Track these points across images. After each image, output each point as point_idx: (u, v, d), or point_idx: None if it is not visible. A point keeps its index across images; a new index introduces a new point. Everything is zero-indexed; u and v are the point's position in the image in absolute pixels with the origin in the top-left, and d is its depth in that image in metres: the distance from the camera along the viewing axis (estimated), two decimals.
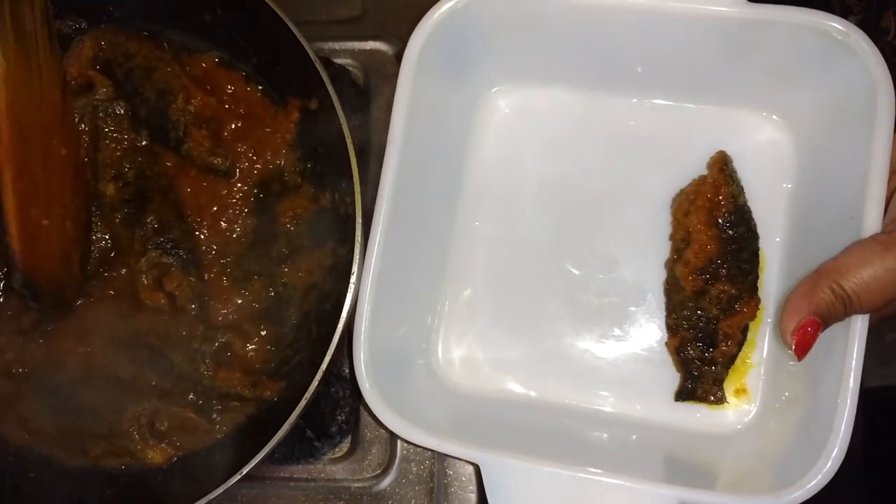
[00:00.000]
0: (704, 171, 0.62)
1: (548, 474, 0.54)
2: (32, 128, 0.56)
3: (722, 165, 0.61)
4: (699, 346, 0.60)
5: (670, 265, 0.62)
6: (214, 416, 0.61)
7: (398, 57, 0.69)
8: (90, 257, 0.62)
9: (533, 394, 0.63)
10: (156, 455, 0.60)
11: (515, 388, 0.63)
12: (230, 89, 0.64)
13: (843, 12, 0.78)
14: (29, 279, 0.60)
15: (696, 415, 0.61)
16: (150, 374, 0.61)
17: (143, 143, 0.64)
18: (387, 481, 0.65)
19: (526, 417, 0.62)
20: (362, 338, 0.56)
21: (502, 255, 0.65)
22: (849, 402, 0.52)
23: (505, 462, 0.54)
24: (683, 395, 0.61)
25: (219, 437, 0.61)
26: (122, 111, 0.63)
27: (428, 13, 0.59)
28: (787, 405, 0.58)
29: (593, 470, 0.54)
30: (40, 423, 0.62)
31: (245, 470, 0.54)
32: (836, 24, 0.55)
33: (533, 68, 0.64)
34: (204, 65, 0.65)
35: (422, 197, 0.61)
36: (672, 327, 0.61)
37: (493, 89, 0.66)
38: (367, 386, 0.56)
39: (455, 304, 0.64)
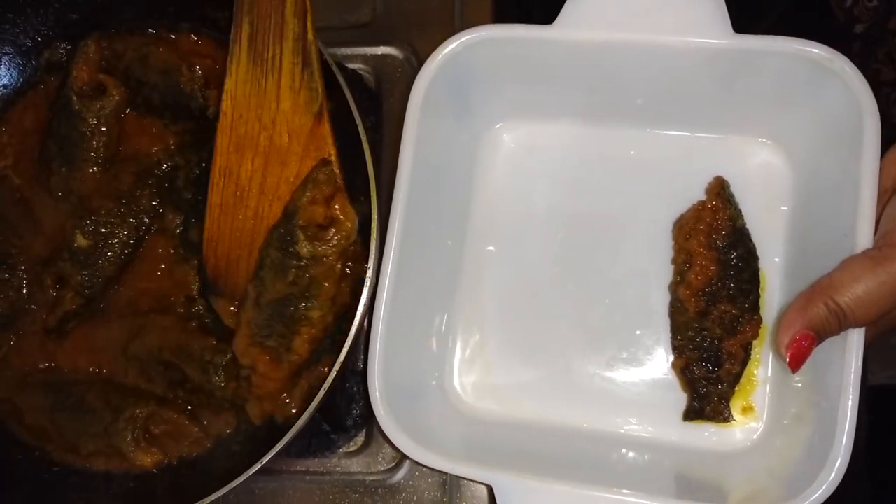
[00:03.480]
0: (703, 197, 0.64)
1: (560, 494, 0.54)
2: (252, 143, 0.59)
3: (720, 190, 0.63)
4: (705, 365, 0.61)
5: (674, 288, 0.63)
6: (209, 425, 0.62)
7: (408, 61, 0.72)
8: None
9: (544, 417, 0.63)
10: (145, 459, 0.61)
11: (527, 411, 0.64)
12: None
13: (848, 22, 0.79)
14: (209, 277, 0.61)
15: (705, 434, 0.62)
16: (161, 386, 0.63)
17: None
18: (400, 474, 0.65)
19: (537, 440, 0.63)
20: (376, 365, 0.57)
21: (511, 282, 0.66)
22: (849, 414, 0.52)
23: (518, 483, 0.55)
24: (691, 414, 0.62)
25: (209, 445, 0.62)
26: None
27: (432, 55, 0.60)
28: (793, 421, 0.59)
29: (606, 489, 0.54)
30: (36, 417, 0.63)
31: (264, 461, 0.55)
32: (820, 52, 0.57)
33: (535, 104, 0.66)
34: (195, 38, 0.67)
35: (431, 227, 0.63)
36: (678, 348, 0.62)
37: (498, 125, 0.68)
38: (382, 412, 0.57)
39: (466, 330, 0.66)
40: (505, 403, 0.64)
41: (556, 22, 0.60)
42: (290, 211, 0.57)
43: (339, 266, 0.57)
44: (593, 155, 0.67)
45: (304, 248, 0.56)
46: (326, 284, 0.57)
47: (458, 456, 0.57)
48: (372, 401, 0.57)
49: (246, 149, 0.59)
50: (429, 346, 0.64)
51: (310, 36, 0.57)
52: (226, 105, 0.59)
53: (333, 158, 0.58)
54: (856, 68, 0.57)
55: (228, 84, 0.59)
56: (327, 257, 0.56)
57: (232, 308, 0.61)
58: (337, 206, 0.57)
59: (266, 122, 0.58)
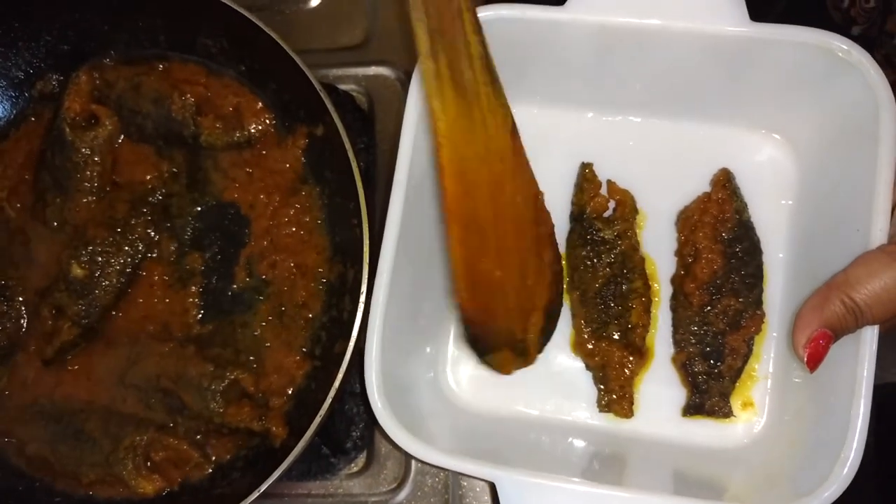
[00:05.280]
0: (708, 189, 0.63)
1: (564, 491, 0.54)
2: (478, 180, 0.54)
3: (725, 182, 0.62)
4: (706, 360, 0.61)
5: (678, 281, 0.63)
6: (209, 450, 0.62)
7: (400, 81, 0.72)
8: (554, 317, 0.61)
9: (541, 411, 0.63)
10: (147, 486, 0.61)
11: (524, 406, 0.63)
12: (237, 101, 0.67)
13: (845, 23, 0.78)
14: (477, 334, 0.57)
15: (705, 429, 0.61)
16: (160, 413, 0.63)
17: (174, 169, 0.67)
18: (402, 495, 0.65)
19: (535, 435, 0.62)
20: (374, 363, 0.56)
21: None
22: (861, 411, 0.52)
23: (522, 480, 0.54)
24: (691, 409, 0.61)
25: (210, 471, 0.62)
26: None
27: None
28: (794, 417, 0.58)
29: (610, 486, 0.53)
30: (37, 447, 0.63)
31: (262, 488, 0.55)
32: (839, 43, 0.56)
33: (535, 91, 0.65)
34: (185, 66, 0.67)
35: (428, 217, 0.62)
36: (679, 342, 0.62)
37: None
38: (381, 408, 0.56)
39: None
40: (500, 398, 0.64)
41: (566, 4, 0.59)
42: (576, 213, 0.64)
43: (635, 234, 0.63)
44: (594, 144, 0.66)
45: (608, 232, 0.63)
46: (636, 254, 0.63)
47: (459, 452, 0.56)
48: (370, 400, 0.56)
49: (475, 190, 0.54)
50: (425, 343, 0.64)
51: (489, 51, 0.54)
52: (448, 151, 0.52)
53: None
54: (874, 62, 0.56)
55: (442, 127, 0.52)
56: (627, 231, 0.63)
57: (510, 355, 0.59)
58: (611, 191, 0.64)
59: (482, 154, 0.54)
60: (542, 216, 0.60)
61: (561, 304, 0.62)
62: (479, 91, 0.54)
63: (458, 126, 0.53)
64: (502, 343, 0.58)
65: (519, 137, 0.57)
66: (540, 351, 0.60)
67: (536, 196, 0.59)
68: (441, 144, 0.52)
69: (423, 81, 0.53)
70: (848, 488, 0.51)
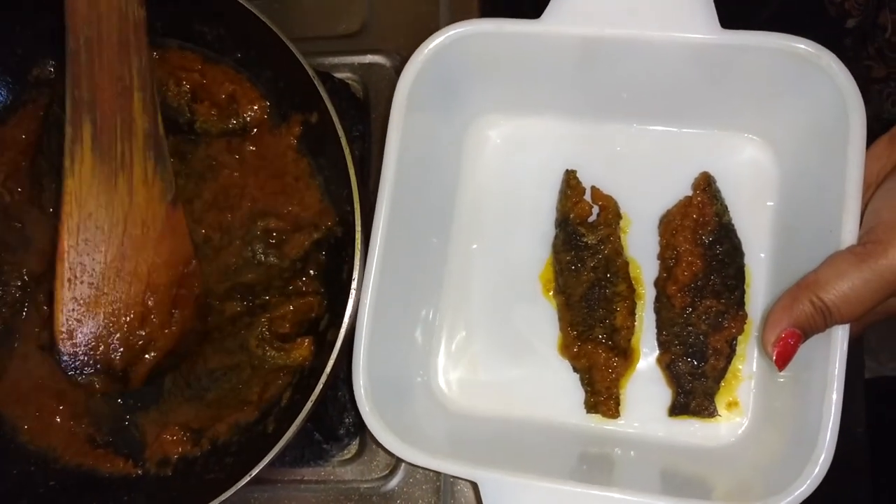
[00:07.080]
0: (689, 192, 0.64)
1: (546, 491, 0.55)
2: (102, 238, 0.59)
3: (706, 186, 0.63)
4: (689, 361, 0.62)
5: (660, 283, 0.64)
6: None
7: (396, 70, 0.72)
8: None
9: (529, 413, 0.64)
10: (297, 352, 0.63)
11: (512, 407, 0.64)
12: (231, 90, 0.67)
13: (840, 16, 0.78)
14: (66, 361, 0.60)
15: (690, 429, 0.62)
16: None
17: None
18: (395, 481, 0.66)
19: (523, 436, 0.63)
20: (361, 362, 0.58)
21: (496, 278, 0.66)
22: (833, 409, 0.53)
23: (503, 480, 0.55)
24: (677, 409, 0.62)
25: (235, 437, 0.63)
26: None
27: (418, 49, 0.60)
28: (777, 416, 0.60)
29: (591, 485, 0.55)
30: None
31: (254, 472, 0.55)
32: (805, 47, 0.56)
33: (520, 98, 0.66)
34: (182, 53, 0.67)
35: (417, 224, 0.63)
36: (663, 343, 0.63)
37: (483, 120, 0.68)
38: (367, 409, 0.58)
39: (452, 327, 0.66)
40: (490, 400, 0.65)
41: (543, 16, 0.60)
42: (561, 218, 0.65)
43: (619, 239, 0.64)
44: (578, 150, 0.67)
45: (591, 237, 0.64)
46: (619, 258, 0.64)
47: (444, 453, 0.58)
48: (357, 400, 0.58)
49: (98, 244, 0.59)
50: (414, 344, 0.65)
51: (160, 130, 0.59)
52: (69, 207, 0.58)
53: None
54: (842, 64, 0.56)
55: (71, 185, 0.58)
56: (610, 236, 0.64)
57: (110, 382, 0.62)
58: (594, 196, 0.65)
59: (118, 218, 0.59)
60: (186, 280, 0.62)
61: (185, 352, 0.64)
62: (132, 163, 0.59)
63: (90, 186, 0.59)
64: (95, 369, 0.60)
65: (180, 211, 0.61)
66: (144, 383, 0.62)
67: (184, 263, 0.62)
68: (66, 201, 0.58)
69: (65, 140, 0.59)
70: (842, 480, 0.53)
